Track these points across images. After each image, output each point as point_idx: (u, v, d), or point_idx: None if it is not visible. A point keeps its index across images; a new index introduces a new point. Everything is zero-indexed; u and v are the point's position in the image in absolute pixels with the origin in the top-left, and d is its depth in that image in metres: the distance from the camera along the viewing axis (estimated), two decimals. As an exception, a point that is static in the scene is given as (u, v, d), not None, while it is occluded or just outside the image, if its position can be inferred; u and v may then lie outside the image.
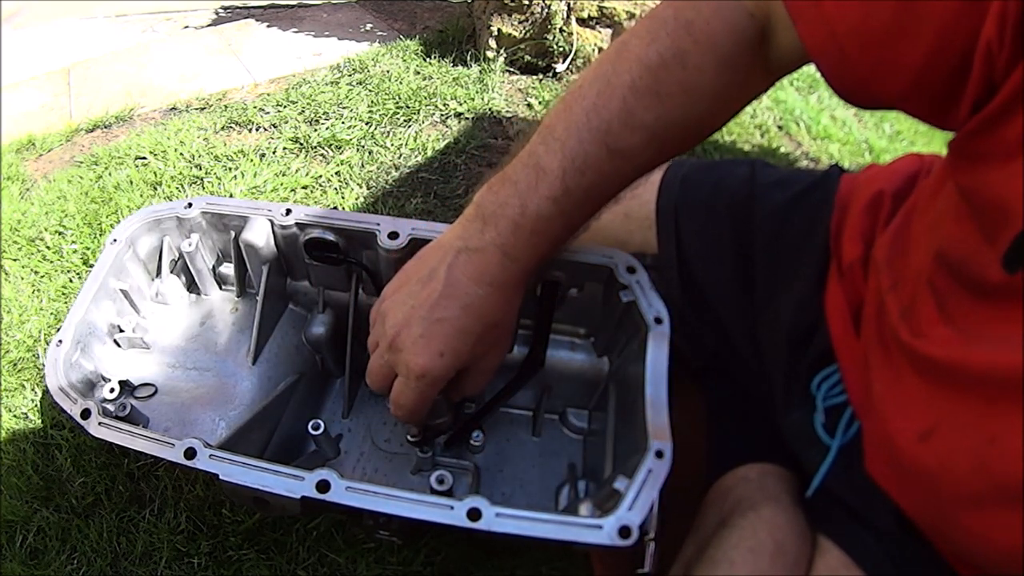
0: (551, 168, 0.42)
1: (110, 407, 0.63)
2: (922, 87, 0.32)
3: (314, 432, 0.64)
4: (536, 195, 0.42)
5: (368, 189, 1.14)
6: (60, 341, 0.61)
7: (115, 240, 0.68)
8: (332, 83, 1.40)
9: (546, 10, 1.37)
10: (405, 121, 1.29)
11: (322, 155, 1.21)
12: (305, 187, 1.14)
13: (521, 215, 0.43)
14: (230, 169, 1.16)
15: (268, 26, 1.75)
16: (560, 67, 1.43)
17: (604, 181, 0.43)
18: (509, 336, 0.48)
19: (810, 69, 0.39)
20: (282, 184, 1.13)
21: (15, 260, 1.01)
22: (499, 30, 1.42)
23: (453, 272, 0.44)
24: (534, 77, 1.46)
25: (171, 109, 1.37)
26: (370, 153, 1.21)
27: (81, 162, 1.22)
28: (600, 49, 1.43)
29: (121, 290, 0.68)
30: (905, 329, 0.38)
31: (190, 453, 0.50)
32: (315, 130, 1.25)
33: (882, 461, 0.42)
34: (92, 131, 1.33)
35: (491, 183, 0.45)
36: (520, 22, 1.41)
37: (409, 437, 0.63)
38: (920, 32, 0.30)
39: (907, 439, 0.37)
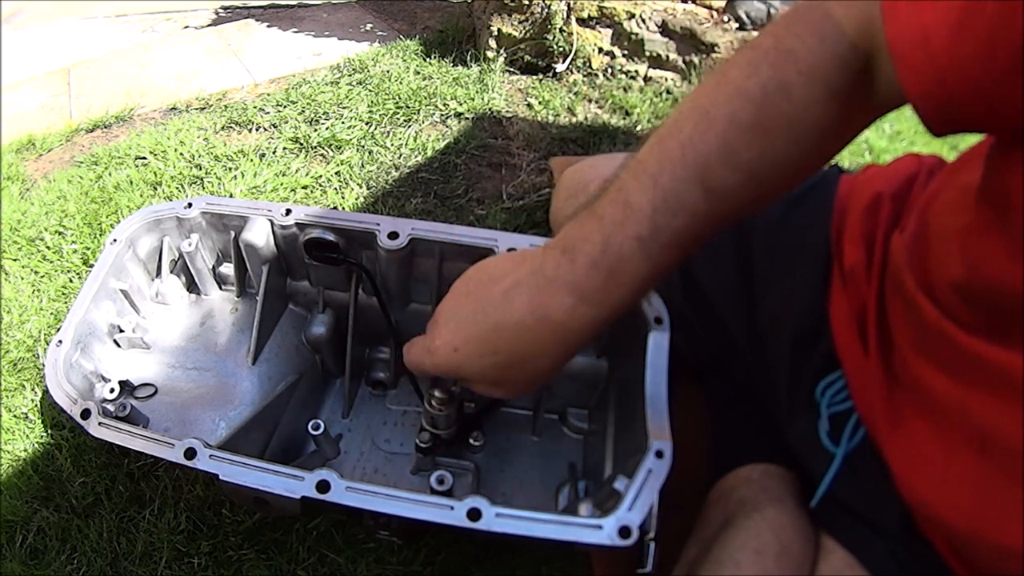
0: (640, 205, 0.38)
1: (110, 407, 0.63)
2: None
3: (314, 432, 0.64)
4: (621, 232, 0.39)
5: (368, 189, 1.14)
6: (60, 341, 0.61)
7: (115, 240, 0.68)
8: (332, 83, 1.40)
9: (546, 10, 1.37)
10: (405, 121, 1.29)
11: (322, 155, 1.21)
12: (305, 187, 1.14)
13: (602, 253, 0.39)
14: (230, 169, 1.16)
15: (268, 26, 1.75)
16: (560, 67, 1.43)
17: (696, 223, 0.39)
18: (529, 381, 0.44)
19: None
20: (282, 184, 1.13)
21: (15, 260, 1.01)
22: (499, 30, 1.42)
23: (514, 291, 0.42)
24: (534, 77, 1.45)
25: (171, 109, 1.37)
26: (370, 153, 1.21)
27: (81, 162, 1.22)
28: (600, 49, 1.43)
29: (121, 290, 0.68)
30: (951, 326, 0.37)
31: (190, 453, 0.50)
32: (315, 130, 1.25)
33: (915, 471, 0.41)
34: (92, 131, 1.33)
35: (579, 216, 0.42)
36: (520, 22, 1.41)
37: (419, 443, 0.63)
38: None
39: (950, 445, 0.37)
